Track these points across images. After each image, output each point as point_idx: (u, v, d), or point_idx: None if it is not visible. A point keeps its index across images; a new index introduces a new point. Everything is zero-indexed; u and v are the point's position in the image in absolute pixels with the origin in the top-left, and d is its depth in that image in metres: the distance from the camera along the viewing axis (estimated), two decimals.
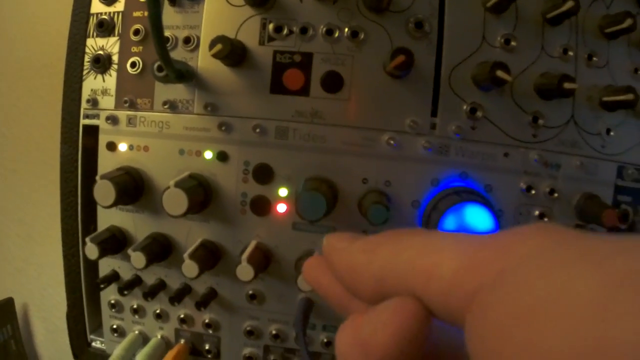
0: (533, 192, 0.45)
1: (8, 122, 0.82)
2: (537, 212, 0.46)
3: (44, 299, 0.84)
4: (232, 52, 0.44)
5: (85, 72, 0.50)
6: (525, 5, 0.44)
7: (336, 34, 0.45)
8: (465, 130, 0.45)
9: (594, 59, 0.45)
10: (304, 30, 0.45)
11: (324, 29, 0.45)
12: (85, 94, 0.50)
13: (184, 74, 0.44)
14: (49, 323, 0.84)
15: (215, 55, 0.43)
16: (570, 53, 0.45)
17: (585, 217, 0.46)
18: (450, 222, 0.41)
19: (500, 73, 0.41)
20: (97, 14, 0.50)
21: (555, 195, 0.46)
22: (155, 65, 0.44)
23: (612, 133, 0.45)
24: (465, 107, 0.45)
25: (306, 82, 0.45)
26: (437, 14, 0.45)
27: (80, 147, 0.50)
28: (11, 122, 0.81)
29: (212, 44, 0.43)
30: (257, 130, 0.46)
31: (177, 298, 0.47)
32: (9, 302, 0.81)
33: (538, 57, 0.45)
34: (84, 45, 0.51)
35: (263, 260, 0.46)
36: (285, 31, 0.46)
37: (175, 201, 0.43)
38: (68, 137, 0.51)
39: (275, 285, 0.48)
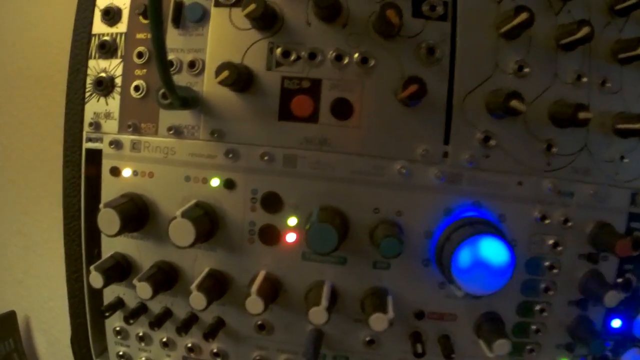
0: (547, 221, 0.45)
1: (7, 132, 0.80)
2: (550, 242, 0.45)
3: (44, 311, 0.83)
4: (239, 79, 0.43)
5: (87, 94, 0.49)
6: (538, 31, 0.43)
7: (345, 60, 0.44)
8: (478, 159, 0.44)
9: (607, 84, 0.44)
10: (312, 56, 0.44)
11: (333, 55, 0.44)
12: (88, 116, 0.49)
13: (188, 101, 0.43)
14: (50, 335, 0.84)
15: (221, 83, 0.42)
16: (584, 79, 0.44)
17: (599, 246, 0.45)
18: (465, 255, 0.40)
19: (515, 103, 0.40)
20: (99, 34, 0.49)
21: (569, 224, 0.45)
22: (160, 93, 0.43)
23: (625, 160, 0.45)
24: (478, 135, 0.44)
25: (315, 109, 0.44)
26: (449, 40, 0.44)
27: (83, 171, 0.49)
28: (10, 132, 0.80)
29: (219, 71, 0.42)
30: (265, 158, 0.45)
31: (184, 328, 0.47)
32: (11, 315, 0.81)
33: (551, 84, 0.44)
34: (86, 66, 0.49)
35: (272, 290, 0.45)
36: (293, 56, 0.45)
37: (182, 232, 0.42)
38: (70, 160, 0.50)
39: (284, 316, 0.47)
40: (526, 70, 0.44)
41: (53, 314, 0.82)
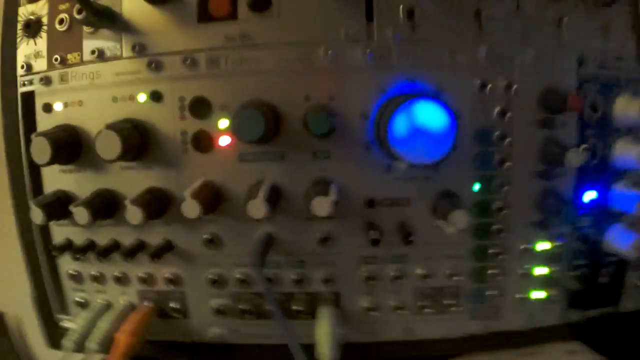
0: (489, 87, 0.42)
1: None
2: (496, 110, 0.42)
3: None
4: None
5: (18, 39, 0.49)
6: None
7: None
8: (405, 32, 0.42)
9: None
10: None
11: None
12: (20, 60, 0.49)
13: (102, 12, 0.42)
14: None
15: None
16: None
17: (550, 108, 0.42)
18: (401, 123, 0.37)
19: None
20: None
21: (514, 88, 0.42)
22: (76, 8, 0.42)
23: (565, 19, 0.42)
24: (401, 7, 0.42)
25: (233, 6, 0.43)
26: None
27: (20, 114, 0.49)
28: None
29: None
30: (187, 62, 0.43)
31: (130, 254, 0.45)
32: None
33: None
34: (17, 14, 0.49)
35: (212, 198, 0.43)
36: None
37: (109, 144, 0.41)
38: (8, 108, 0.49)
39: (232, 226, 0.45)
40: None
41: None
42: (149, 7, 0.44)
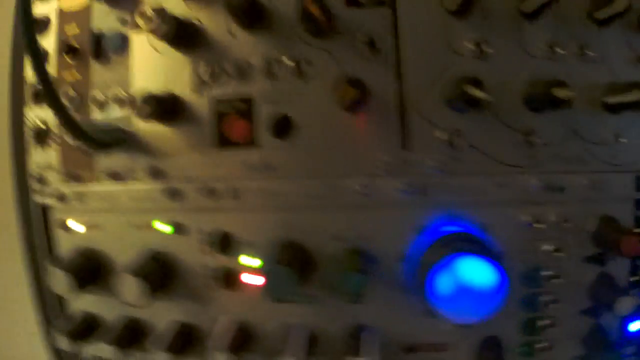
0: (540, 225, 0.38)
1: None
2: (548, 247, 0.39)
3: None
4: (163, 110, 0.38)
5: (28, 144, 0.46)
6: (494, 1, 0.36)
7: (277, 69, 0.39)
8: (446, 163, 0.38)
9: (587, 52, 0.36)
10: (240, 70, 0.39)
11: (263, 65, 0.39)
12: (31, 169, 0.46)
13: (105, 142, 0.39)
14: None
15: (146, 118, 0.38)
16: (558, 50, 0.36)
17: (604, 246, 0.38)
18: (443, 281, 0.34)
19: (474, 91, 0.34)
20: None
21: (567, 224, 0.38)
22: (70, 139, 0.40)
23: (622, 139, 0.37)
24: (440, 134, 0.38)
25: (252, 131, 0.39)
26: (392, 27, 0.38)
27: (33, 226, 0.47)
28: None
29: (140, 107, 0.38)
30: (209, 193, 0.40)
31: None
32: None
33: (519, 61, 0.37)
34: (22, 114, 0.47)
35: (241, 339, 0.41)
36: (219, 74, 0.40)
37: (132, 290, 0.39)
38: (23, 215, 0.47)
39: None
40: (486, 49, 0.37)
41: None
42: (162, 128, 0.41)
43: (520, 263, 0.39)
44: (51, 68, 0.45)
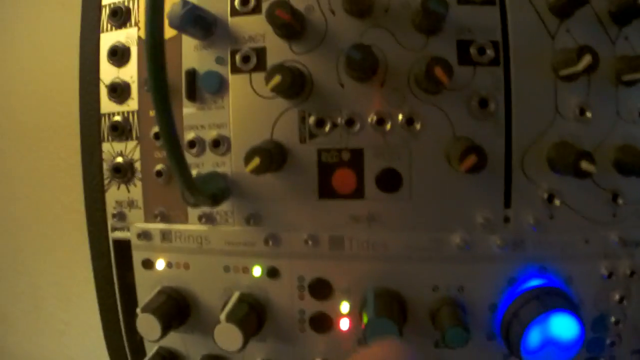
0: (614, 277, 0.40)
1: (32, 185, 0.78)
2: (616, 297, 0.41)
3: None
4: (272, 162, 0.38)
5: (106, 181, 0.45)
6: (599, 68, 0.38)
7: (388, 124, 0.39)
8: (543, 221, 0.39)
9: None
10: (350, 122, 0.40)
11: (374, 119, 0.39)
12: (110, 206, 0.45)
13: (217, 197, 0.39)
14: None
15: (253, 171, 0.38)
16: None
17: None
18: (535, 335, 0.37)
19: (585, 165, 0.35)
20: (109, 114, 0.45)
21: (635, 276, 0.40)
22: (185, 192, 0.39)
23: None
24: (540, 193, 0.39)
25: (359, 183, 0.40)
26: (503, 88, 0.39)
27: (113, 262, 0.46)
28: (35, 185, 0.78)
29: (248, 158, 0.37)
30: (309, 242, 0.41)
31: None
32: None
33: (614, 126, 0.39)
34: (100, 150, 0.45)
35: None
36: (328, 125, 0.40)
37: (229, 337, 0.39)
38: (98, 252, 0.46)
39: None
40: (588, 114, 0.38)
41: None
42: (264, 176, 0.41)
43: (592, 311, 0.41)
44: (133, 102, 0.44)
